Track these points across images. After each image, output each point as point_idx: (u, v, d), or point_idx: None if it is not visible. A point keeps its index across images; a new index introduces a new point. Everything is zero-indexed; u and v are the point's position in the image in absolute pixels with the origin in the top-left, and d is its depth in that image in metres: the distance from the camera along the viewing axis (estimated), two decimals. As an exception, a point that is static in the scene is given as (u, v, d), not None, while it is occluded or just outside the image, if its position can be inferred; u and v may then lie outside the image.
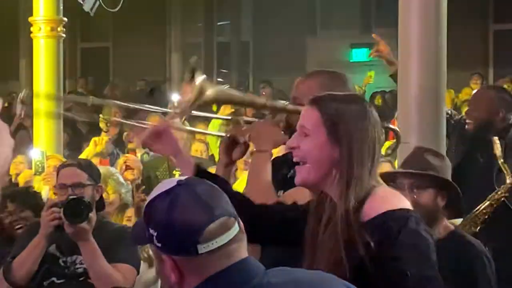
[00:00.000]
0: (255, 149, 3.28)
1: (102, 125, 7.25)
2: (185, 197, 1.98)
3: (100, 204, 4.34)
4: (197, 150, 8.30)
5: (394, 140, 3.65)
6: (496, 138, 4.91)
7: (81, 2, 8.96)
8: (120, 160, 7.50)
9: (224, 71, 16.09)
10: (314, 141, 2.52)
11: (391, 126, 3.36)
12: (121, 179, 6.22)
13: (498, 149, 4.84)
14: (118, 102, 5.06)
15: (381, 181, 2.57)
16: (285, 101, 3.42)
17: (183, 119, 3.58)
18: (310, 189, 2.64)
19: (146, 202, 2.06)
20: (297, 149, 2.56)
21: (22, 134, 9.87)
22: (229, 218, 1.98)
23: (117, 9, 9.03)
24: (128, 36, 14.98)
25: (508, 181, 4.62)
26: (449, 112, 5.74)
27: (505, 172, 4.75)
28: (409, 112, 5.24)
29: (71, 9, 8.85)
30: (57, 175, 4.22)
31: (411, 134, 4.96)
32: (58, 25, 8.34)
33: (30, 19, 8.52)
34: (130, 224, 5.39)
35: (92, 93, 14.28)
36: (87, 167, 4.24)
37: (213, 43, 15.09)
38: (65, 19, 8.46)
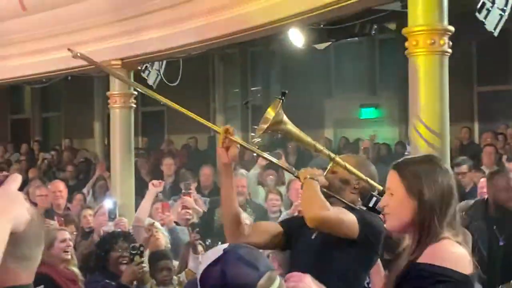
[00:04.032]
0: (308, 177, 3.34)
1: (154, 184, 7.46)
2: (233, 261, 1.94)
3: None
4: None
5: None
6: None
7: (146, 78, 9.42)
8: (178, 202, 7.52)
9: (256, 127, 15.86)
10: (396, 197, 2.54)
11: None
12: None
13: None
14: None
15: (454, 236, 2.47)
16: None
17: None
18: (399, 232, 2.66)
19: (199, 273, 2.00)
20: (387, 207, 2.59)
21: (101, 184, 9.95)
22: (272, 271, 1.96)
23: (176, 83, 9.18)
24: (180, 101, 15.31)
25: None
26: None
27: None
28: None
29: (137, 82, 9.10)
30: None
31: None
32: (130, 98, 8.55)
33: (108, 93, 8.66)
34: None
35: (151, 148, 14.67)
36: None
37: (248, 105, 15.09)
38: (135, 92, 8.56)
